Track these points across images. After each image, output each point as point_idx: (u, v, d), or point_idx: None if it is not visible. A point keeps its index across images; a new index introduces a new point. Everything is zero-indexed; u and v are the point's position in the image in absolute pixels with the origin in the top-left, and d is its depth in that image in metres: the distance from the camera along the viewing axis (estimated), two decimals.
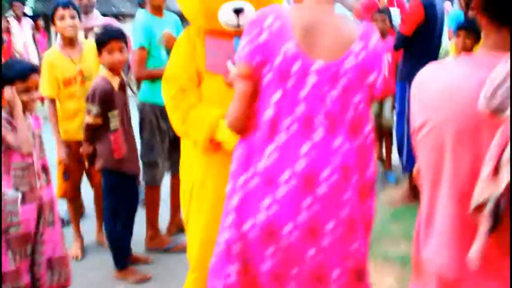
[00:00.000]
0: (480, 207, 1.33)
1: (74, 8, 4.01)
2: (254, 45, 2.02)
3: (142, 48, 3.98)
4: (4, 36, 8.98)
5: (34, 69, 2.96)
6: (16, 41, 9.11)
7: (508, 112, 1.27)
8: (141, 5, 5.53)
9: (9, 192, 2.85)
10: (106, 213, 3.70)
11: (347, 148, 2.01)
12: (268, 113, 2.00)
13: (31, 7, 16.35)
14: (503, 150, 1.31)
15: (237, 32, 2.62)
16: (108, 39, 3.52)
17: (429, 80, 1.53)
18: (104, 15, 5.71)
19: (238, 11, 2.72)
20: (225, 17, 2.74)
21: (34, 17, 11.02)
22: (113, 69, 3.55)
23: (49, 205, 3.03)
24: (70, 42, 4.01)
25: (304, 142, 1.97)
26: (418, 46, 4.64)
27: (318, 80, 1.97)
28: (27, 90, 2.88)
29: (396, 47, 4.87)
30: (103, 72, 3.57)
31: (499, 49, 1.40)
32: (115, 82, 3.56)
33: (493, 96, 1.30)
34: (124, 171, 3.59)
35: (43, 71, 3.79)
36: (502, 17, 1.40)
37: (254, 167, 2.00)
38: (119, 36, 3.59)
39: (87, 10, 5.21)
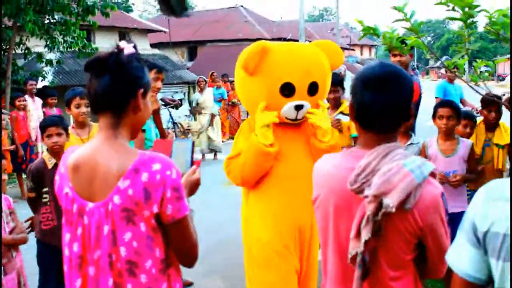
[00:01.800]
0: (353, 259, 1.88)
1: None
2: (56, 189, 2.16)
3: (143, 130, 4.51)
4: (21, 113, 9.52)
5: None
6: (31, 118, 9.62)
7: (365, 193, 1.84)
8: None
9: None
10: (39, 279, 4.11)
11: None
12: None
13: (50, 81, 17.08)
14: (361, 220, 1.83)
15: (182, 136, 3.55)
16: (46, 126, 4.11)
17: (321, 166, 2.11)
18: None
19: (298, 108, 3.59)
20: (288, 112, 3.62)
21: (51, 90, 11.51)
22: (52, 151, 4.09)
23: (21, 270, 3.52)
24: (81, 124, 4.68)
25: (77, 277, 2.01)
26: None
27: (89, 221, 1.98)
28: None
29: None
30: (45, 154, 4.18)
31: (366, 146, 1.99)
32: (51, 162, 4.04)
33: (355, 181, 1.87)
34: (49, 243, 3.96)
35: None
36: (366, 125, 2.02)
37: None
38: (57, 123, 4.15)
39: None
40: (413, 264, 1.97)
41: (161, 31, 30.13)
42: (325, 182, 2.02)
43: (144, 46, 28.54)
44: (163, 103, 15.72)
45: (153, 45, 30.20)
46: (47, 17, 14.50)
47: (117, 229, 1.95)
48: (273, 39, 35.00)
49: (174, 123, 15.79)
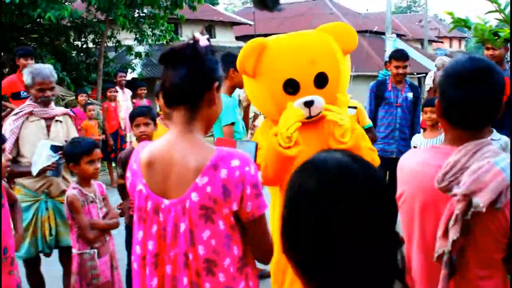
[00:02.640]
0: (440, 257, 1.83)
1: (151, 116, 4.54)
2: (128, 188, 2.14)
3: (233, 123, 4.65)
4: (112, 103, 9.88)
5: (97, 145, 3.71)
6: (120, 108, 9.96)
7: (453, 191, 1.76)
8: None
9: (86, 251, 3.51)
10: None
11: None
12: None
13: (138, 73, 17.61)
14: (449, 218, 1.77)
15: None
16: (135, 116, 4.23)
17: (405, 162, 2.05)
18: None
19: (308, 104, 3.11)
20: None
21: (140, 81, 11.87)
22: (140, 140, 4.14)
23: (114, 253, 3.70)
24: (169, 115, 4.68)
25: (154, 276, 1.97)
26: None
27: (165, 218, 1.94)
28: (92, 162, 3.59)
29: None
30: (133, 142, 4.33)
31: (454, 143, 1.90)
32: None
33: (442, 180, 1.80)
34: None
35: None
36: (455, 122, 1.91)
37: None
38: (145, 113, 4.21)
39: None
40: (502, 262, 1.88)
41: (246, 24, 30.40)
42: (411, 179, 1.96)
43: (229, 39, 28.89)
44: None
45: (238, 38, 30.52)
46: (137, 11, 14.97)
47: (194, 227, 1.90)
48: (359, 32, 34.48)
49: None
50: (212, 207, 1.87)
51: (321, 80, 3.17)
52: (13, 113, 4.11)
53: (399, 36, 33.05)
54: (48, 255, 4.24)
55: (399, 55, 6.01)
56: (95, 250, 3.56)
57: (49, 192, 4.05)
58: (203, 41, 1.98)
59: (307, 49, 3.19)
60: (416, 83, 33.24)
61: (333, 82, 3.20)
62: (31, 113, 4.07)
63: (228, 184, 1.86)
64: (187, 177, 1.90)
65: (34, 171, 3.80)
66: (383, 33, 26.85)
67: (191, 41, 1.97)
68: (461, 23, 3.21)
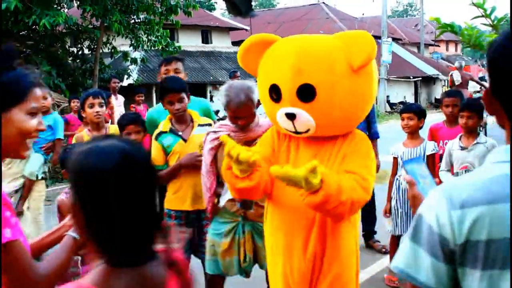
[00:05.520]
0: None
1: (102, 97, 4.56)
2: None
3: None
4: (107, 110, 9.88)
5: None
6: (113, 115, 9.96)
7: None
8: (232, 77, 5.99)
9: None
10: None
11: None
12: None
13: (135, 79, 17.63)
14: None
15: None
16: (125, 124, 4.12)
17: None
18: (202, 83, 6.29)
19: (290, 117, 2.70)
20: (283, 123, 2.78)
21: (138, 88, 11.88)
22: None
23: None
24: (96, 126, 4.55)
25: None
26: None
27: None
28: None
29: None
30: None
31: None
32: None
33: None
34: None
35: None
36: None
37: None
38: (136, 120, 4.15)
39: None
40: None
41: (242, 29, 30.47)
42: None
43: (226, 44, 28.94)
44: None
45: (234, 43, 30.55)
46: (132, 17, 15.00)
47: None
48: None
49: None
50: None
51: (305, 93, 2.67)
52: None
53: (395, 40, 33.14)
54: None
55: None
56: (79, 257, 3.52)
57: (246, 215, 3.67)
58: None
59: (298, 56, 2.71)
60: (412, 87, 33.40)
61: (323, 97, 2.67)
62: None
63: None
64: None
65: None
66: (379, 37, 26.89)
67: None
68: (448, 29, 3.22)
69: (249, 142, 3.42)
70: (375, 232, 6.10)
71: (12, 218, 1.64)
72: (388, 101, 29.05)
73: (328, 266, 2.81)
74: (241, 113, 3.39)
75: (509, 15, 3.28)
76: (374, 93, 2.87)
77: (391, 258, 5.03)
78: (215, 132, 3.59)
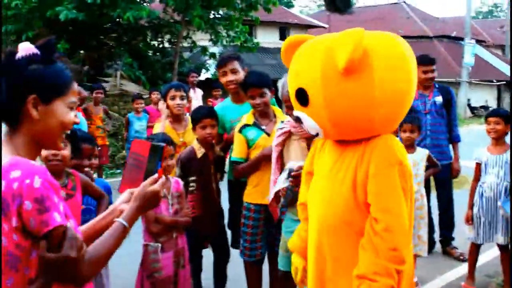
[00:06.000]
0: None
1: (184, 90, 4.57)
2: None
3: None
4: (187, 103, 10.04)
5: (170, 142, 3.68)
6: (191, 108, 10.11)
7: None
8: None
9: (150, 243, 3.54)
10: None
11: None
12: None
13: (212, 74, 17.83)
14: None
15: None
16: (201, 117, 4.06)
17: None
18: (279, 79, 6.24)
19: (297, 120, 2.60)
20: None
21: (215, 82, 12.01)
22: (202, 142, 4.07)
23: (182, 251, 3.69)
24: (177, 118, 4.57)
25: None
26: None
27: None
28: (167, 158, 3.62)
29: None
30: (195, 143, 4.13)
31: None
32: (200, 152, 4.08)
33: None
34: (194, 230, 4.00)
35: None
36: None
37: None
38: (212, 114, 4.10)
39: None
40: None
41: (321, 26, 30.26)
42: None
43: None
44: None
45: None
46: (212, 12, 15.18)
47: None
48: (435, 37, 33.74)
49: None
50: None
51: (300, 96, 2.52)
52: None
53: (478, 42, 32.01)
54: None
55: (427, 60, 5.79)
56: (159, 245, 3.60)
57: None
58: (24, 51, 1.77)
59: (297, 58, 2.58)
60: (495, 91, 32.19)
61: (314, 101, 2.45)
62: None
63: (7, 198, 1.64)
64: None
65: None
66: (462, 39, 26.08)
67: (7, 54, 1.78)
68: None
69: (310, 138, 3.33)
70: (452, 239, 5.90)
71: (60, 203, 1.69)
72: (469, 105, 28.15)
73: None
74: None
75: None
76: (384, 95, 2.40)
77: (469, 266, 4.85)
78: (281, 128, 3.59)
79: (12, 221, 1.63)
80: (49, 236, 1.65)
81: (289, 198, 3.29)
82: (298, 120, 2.56)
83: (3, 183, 1.64)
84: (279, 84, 3.54)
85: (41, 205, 1.63)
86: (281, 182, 3.32)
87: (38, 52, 1.77)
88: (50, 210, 1.64)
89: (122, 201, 2.10)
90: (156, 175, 2.05)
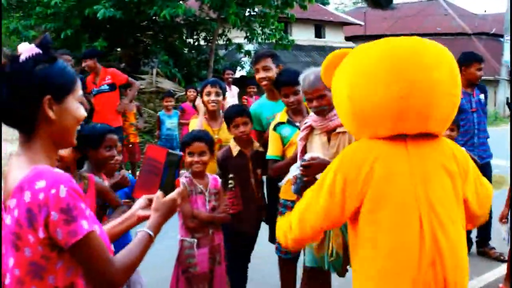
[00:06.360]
0: None
1: (220, 86, 4.64)
2: None
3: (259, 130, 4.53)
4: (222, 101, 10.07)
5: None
6: (227, 105, 10.13)
7: None
8: None
9: (187, 239, 3.57)
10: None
11: None
12: None
13: (247, 71, 17.87)
14: None
15: None
16: (233, 116, 4.11)
17: None
18: None
19: None
20: None
21: (250, 80, 12.04)
22: (238, 140, 4.12)
23: (218, 248, 3.72)
24: (213, 114, 4.64)
25: None
26: None
27: None
28: (192, 154, 3.77)
29: None
30: (231, 141, 4.20)
31: None
32: (236, 150, 4.13)
33: None
34: (234, 227, 4.04)
35: None
36: None
37: None
38: (243, 112, 4.14)
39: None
40: None
41: (356, 24, 30.03)
42: None
43: (339, 39, 28.67)
44: None
45: (347, 38, 30.21)
46: (248, 9, 15.19)
47: (4, 254, 1.71)
48: (474, 34, 33.14)
49: None
50: (18, 232, 1.66)
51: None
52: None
53: None
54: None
55: (480, 58, 5.72)
56: (195, 240, 3.64)
57: None
58: (27, 52, 1.73)
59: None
60: None
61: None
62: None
63: (33, 208, 1.62)
64: (6, 200, 1.72)
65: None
66: (501, 36, 25.57)
67: (9, 59, 1.73)
68: None
69: (330, 132, 3.53)
70: (489, 239, 5.81)
71: (87, 210, 1.68)
72: (508, 104, 27.60)
73: None
74: (312, 94, 3.50)
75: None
76: (360, 101, 2.28)
77: (508, 269, 4.76)
78: (305, 123, 3.67)
79: (39, 232, 1.63)
80: (77, 245, 1.64)
81: (300, 185, 3.30)
82: None
83: (28, 194, 1.62)
84: (300, 77, 3.60)
85: (68, 215, 1.62)
86: (293, 170, 3.38)
87: (40, 51, 1.74)
88: (77, 219, 1.64)
89: (140, 207, 2.11)
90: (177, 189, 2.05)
